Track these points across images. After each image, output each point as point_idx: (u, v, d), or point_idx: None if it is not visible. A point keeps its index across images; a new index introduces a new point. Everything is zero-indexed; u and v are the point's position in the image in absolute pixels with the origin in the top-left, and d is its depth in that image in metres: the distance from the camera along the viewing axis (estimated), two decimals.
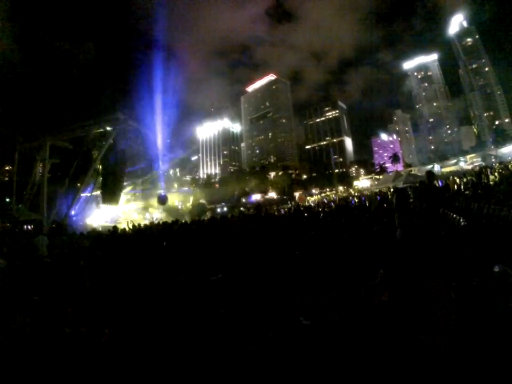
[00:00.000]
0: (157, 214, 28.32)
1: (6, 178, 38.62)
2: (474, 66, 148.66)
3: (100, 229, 14.89)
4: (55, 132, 19.24)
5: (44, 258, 8.64)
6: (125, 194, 24.36)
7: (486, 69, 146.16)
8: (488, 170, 20.66)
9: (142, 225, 14.09)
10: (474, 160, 64.63)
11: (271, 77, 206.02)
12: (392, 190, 12.44)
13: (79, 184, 19.57)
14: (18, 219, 18.80)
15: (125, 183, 21.11)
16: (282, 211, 30.72)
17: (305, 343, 3.05)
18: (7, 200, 21.50)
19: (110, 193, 18.92)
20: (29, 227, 19.67)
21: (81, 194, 20.49)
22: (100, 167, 19.38)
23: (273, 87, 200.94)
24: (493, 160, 52.25)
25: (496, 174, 17.06)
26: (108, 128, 18.18)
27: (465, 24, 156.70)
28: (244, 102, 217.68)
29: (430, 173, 7.63)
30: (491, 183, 15.22)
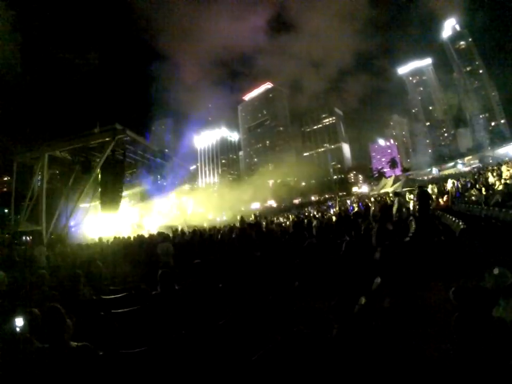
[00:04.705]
0: (155, 223, 28.25)
1: (5, 189, 38.55)
2: (468, 69, 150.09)
3: (100, 240, 14.87)
4: (54, 142, 19.27)
5: (41, 269, 8.60)
6: (124, 204, 24.33)
7: (480, 71, 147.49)
8: (487, 172, 20.73)
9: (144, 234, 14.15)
10: (472, 162, 64.87)
11: (267, 85, 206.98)
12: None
13: (77, 195, 19.54)
14: (17, 230, 18.76)
15: (123, 193, 21.08)
16: (281, 219, 30.73)
17: (306, 352, 3.04)
18: (6, 211, 21.44)
19: (109, 204, 18.88)
20: (28, 238, 19.62)
21: (80, 205, 20.46)
22: (99, 177, 19.36)
23: (270, 95, 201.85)
24: (490, 161, 52.53)
25: (494, 174, 17.08)
26: (107, 139, 18.17)
27: (458, 27, 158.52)
28: (241, 111, 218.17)
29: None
30: (489, 184, 15.25)
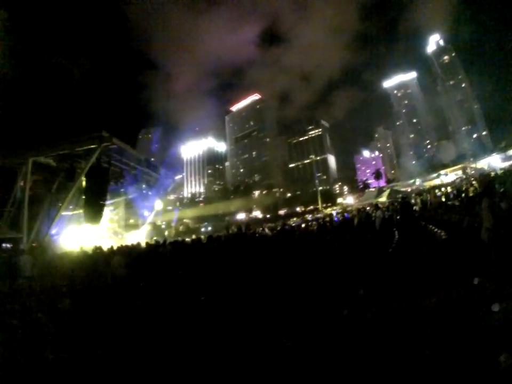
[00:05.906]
0: (139, 233, 27.90)
1: None
2: (451, 82, 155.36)
3: (81, 249, 14.63)
4: (38, 148, 18.91)
5: (23, 279, 8.41)
6: (108, 213, 24.01)
7: (463, 85, 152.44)
8: (468, 182, 21.19)
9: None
10: (455, 173, 66.02)
11: (255, 96, 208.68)
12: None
13: (61, 202, 19.18)
14: None
15: (107, 202, 20.78)
16: (267, 230, 30.69)
17: (288, 365, 3.03)
18: None
19: (92, 212, 18.54)
20: (8, 245, 19.10)
21: (63, 213, 20.07)
22: (83, 185, 19.05)
23: (258, 106, 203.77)
24: (473, 172, 53.73)
25: (476, 185, 17.43)
26: (92, 146, 17.94)
27: (442, 43, 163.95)
28: (229, 122, 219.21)
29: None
30: (471, 194, 15.53)
